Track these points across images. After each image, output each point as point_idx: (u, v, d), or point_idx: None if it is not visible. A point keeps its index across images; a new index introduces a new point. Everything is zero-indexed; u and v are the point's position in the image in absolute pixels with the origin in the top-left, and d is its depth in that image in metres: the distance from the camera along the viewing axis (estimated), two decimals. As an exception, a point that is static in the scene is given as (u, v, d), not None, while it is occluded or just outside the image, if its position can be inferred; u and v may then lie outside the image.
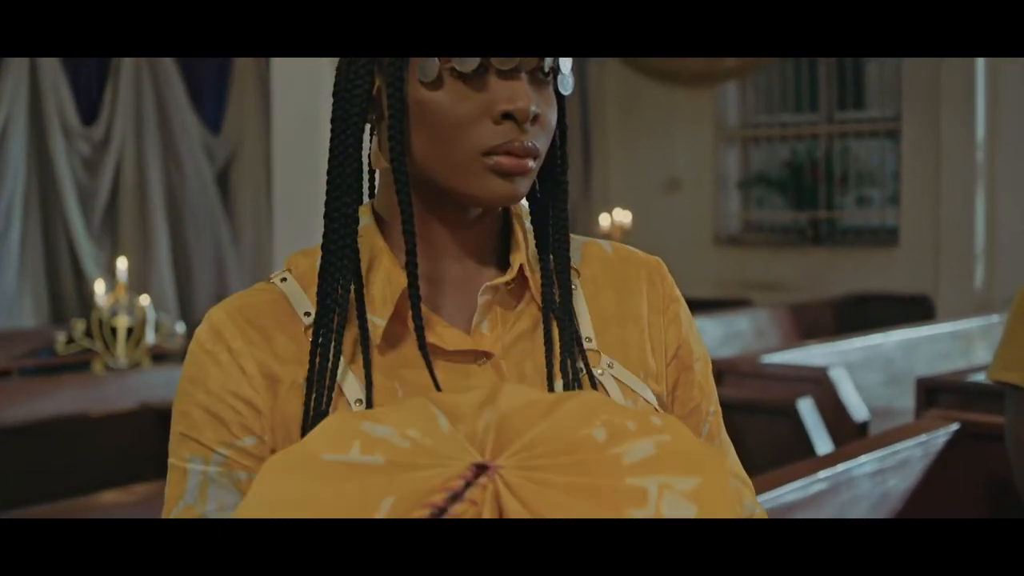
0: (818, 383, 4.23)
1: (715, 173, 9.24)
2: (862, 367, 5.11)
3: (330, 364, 0.97)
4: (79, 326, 5.23)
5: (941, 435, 3.14)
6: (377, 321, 1.00)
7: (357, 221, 1.00)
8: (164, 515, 1.01)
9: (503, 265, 1.06)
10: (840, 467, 2.75)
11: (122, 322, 5.12)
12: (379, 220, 1.05)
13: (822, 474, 2.69)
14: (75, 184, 7.40)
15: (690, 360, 1.12)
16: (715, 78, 8.71)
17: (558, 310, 1.04)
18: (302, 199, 4.85)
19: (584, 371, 1.03)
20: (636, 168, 9.44)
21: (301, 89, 5.09)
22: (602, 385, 1.04)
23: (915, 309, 7.49)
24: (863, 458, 2.84)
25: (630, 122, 9.48)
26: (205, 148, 7.99)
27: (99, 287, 5.30)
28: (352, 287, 0.99)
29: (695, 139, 9.22)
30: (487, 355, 1.02)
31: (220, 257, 7.89)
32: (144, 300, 5.26)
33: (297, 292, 1.02)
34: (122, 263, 5.34)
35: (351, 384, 0.98)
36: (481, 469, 0.77)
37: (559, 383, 1.01)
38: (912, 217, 8.14)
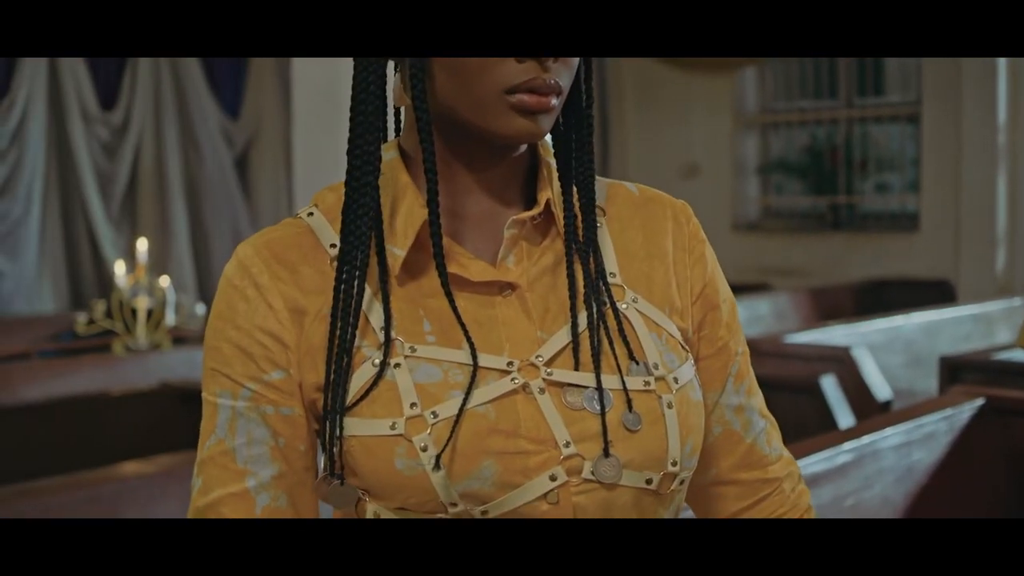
0: (840, 362, 4.20)
1: (734, 159, 9.21)
2: (884, 349, 5.09)
3: (355, 295, 0.98)
4: (99, 307, 5.23)
5: (966, 410, 3.12)
6: (397, 252, 1.00)
7: (379, 159, 0.99)
8: (199, 448, 1.02)
9: (529, 202, 1.05)
10: (865, 439, 2.74)
11: (142, 303, 5.12)
12: (404, 156, 1.05)
13: (847, 446, 2.68)
14: (94, 169, 7.42)
15: (716, 300, 1.11)
16: (733, 64, 8.69)
17: (582, 244, 1.03)
18: (322, 181, 4.84)
19: (608, 305, 1.02)
20: (654, 154, 9.41)
21: (321, 72, 5.07)
22: (627, 318, 1.03)
23: (935, 293, 7.46)
24: (888, 431, 2.83)
25: (648, 108, 9.45)
26: (224, 132, 8.00)
27: (119, 268, 5.31)
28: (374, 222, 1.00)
29: (713, 125, 9.19)
30: (512, 287, 1.01)
31: (239, 240, 7.89)
32: (164, 281, 5.27)
33: (323, 225, 1.03)
34: (142, 244, 5.34)
35: (376, 313, 0.99)
36: None
37: (583, 316, 1.01)
38: (932, 201, 8.10)
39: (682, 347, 1.06)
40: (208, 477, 1.01)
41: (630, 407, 0.98)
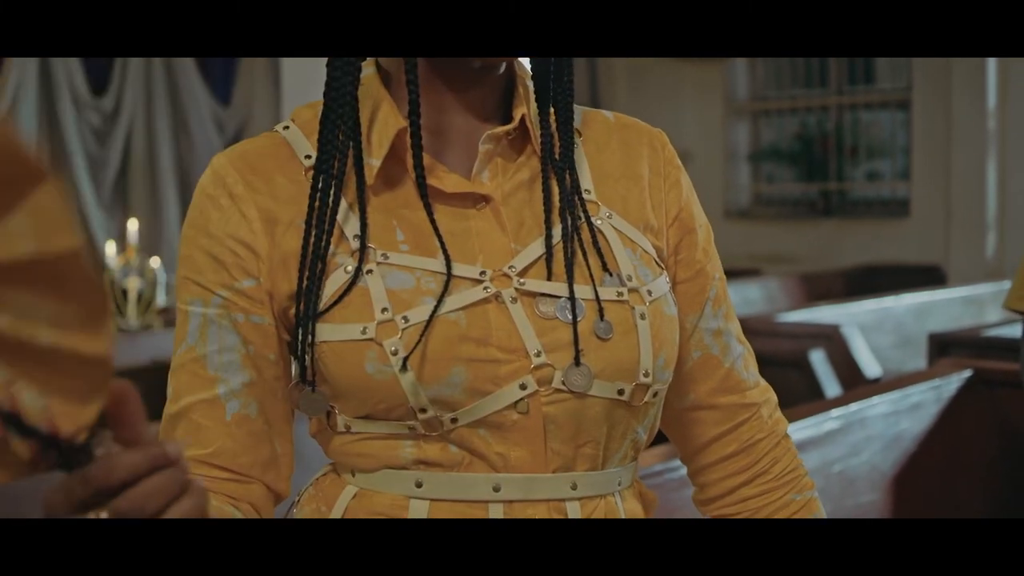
0: (830, 339, 4.22)
1: (725, 146, 9.23)
2: (873, 329, 5.09)
3: (330, 204, 0.99)
4: (90, 287, 5.21)
5: (954, 381, 3.14)
6: (373, 162, 1.01)
7: (359, 69, 1.00)
8: (173, 356, 1.03)
9: (506, 120, 1.05)
10: (852, 407, 2.75)
11: (133, 284, 5.11)
12: (381, 72, 1.05)
13: (834, 413, 2.69)
14: (85, 154, 7.42)
15: (692, 224, 1.12)
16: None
17: (558, 160, 1.04)
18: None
19: (583, 220, 1.03)
20: (646, 141, 9.38)
21: (311, 59, 5.07)
22: (601, 233, 1.03)
23: (926, 279, 7.47)
24: (875, 399, 2.84)
25: (639, 95, 9.45)
26: (215, 119, 8.00)
27: (110, 249, 5.30)
28: (351, 132, 1.00)
29: (705, 112, 9.20)
30: (486, 199, 1.02)
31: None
32: (155, 263, 5.26)
33: (299, 138, 1.04)
34: (133, 225, 5.34)
35: (350, 222, 1.00)
36: None
37: (557, 228, 1.01)
38: (923, 187, 8.11)
39: (656, 263, 1.06)
40: (179, 384, 1.02)
41: (602, 316, 0.99)
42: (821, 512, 1.15)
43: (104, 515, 0.71)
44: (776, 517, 1.13)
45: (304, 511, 1.06)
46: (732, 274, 7.46)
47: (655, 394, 1.02)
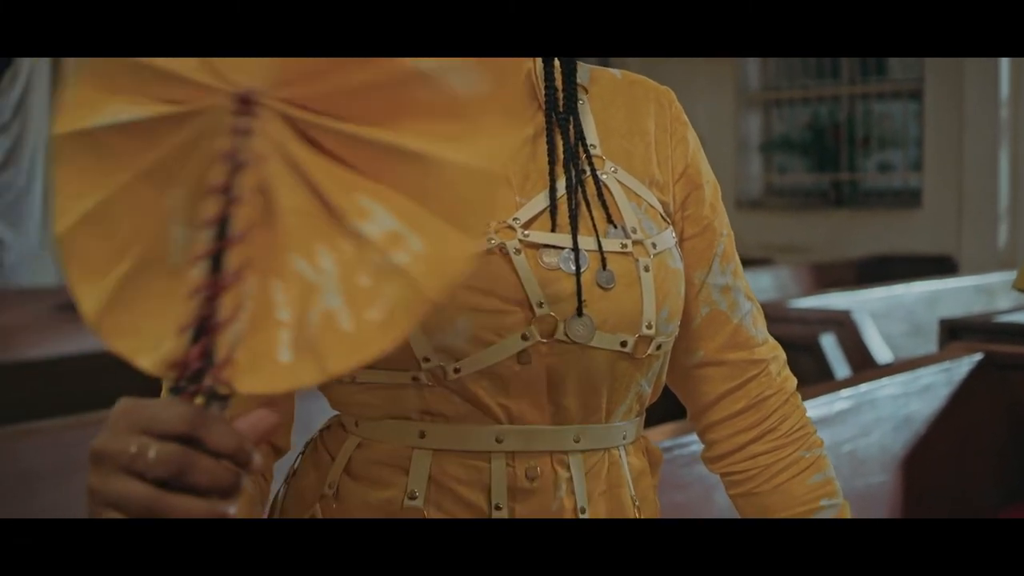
0: (841, 324, 4.21)
1: (736, 137, 9.21)
2: (885, 317, 5.08)
3: None
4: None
5: (965, 364, 3.13)
6: None
7: None
8: None
9: None
10: (863, 387, 2.75)
11: (145, 268, 5.12)
12: None
13: (844, 393, 2.69)
14: (97, 142, 7.44)
15: (699, 180, 1.12)
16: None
17: (562, 114, 1.04)
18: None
19: (588, 172, 1.03)
20: (657, 130, 9.38)
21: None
22: (606, 187, 1.04)
23: (938, 269, 7.45)
24: (885, 380, 2.84)
25: (651, 85, 9.42)
26: (226, 107, 8.03)
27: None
28: None
29: (716, 102, 9.18)
30: None
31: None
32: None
33: None
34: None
35: None
36: (247, 105, 0.65)
37: (562, 182, 1.02)
38: (935, 177, 8.09)
39: (662, 217, 1.07)
40: None
41: (604, 266, 0.99)
42: (830, 469, 1.16)
43: (152, 452, 0.66)
44: (785, 474, 1.13)
45: (309, 460, 1.07)
46: (744, 263, 7.45)
47: (659, 347, 1.03)
